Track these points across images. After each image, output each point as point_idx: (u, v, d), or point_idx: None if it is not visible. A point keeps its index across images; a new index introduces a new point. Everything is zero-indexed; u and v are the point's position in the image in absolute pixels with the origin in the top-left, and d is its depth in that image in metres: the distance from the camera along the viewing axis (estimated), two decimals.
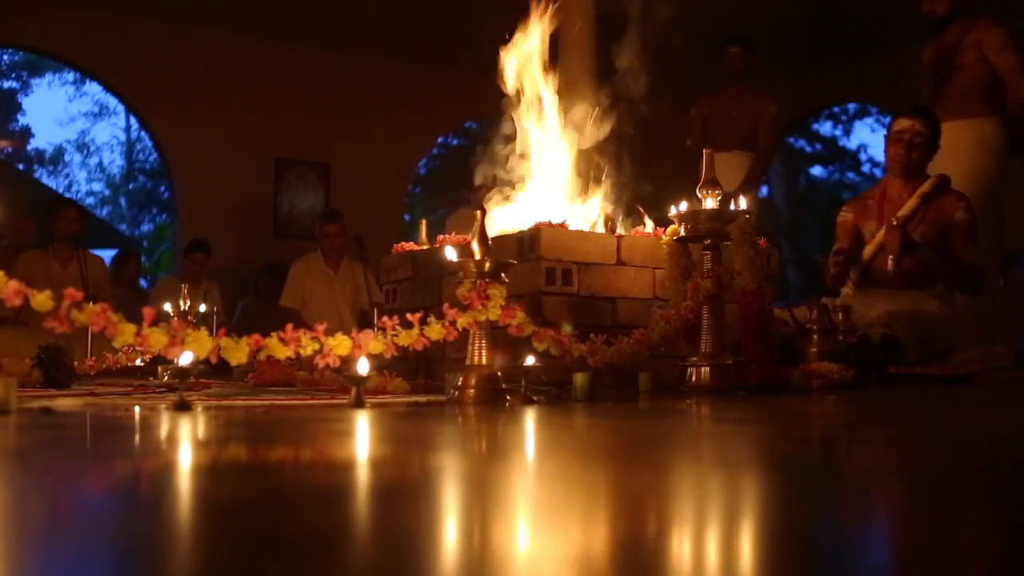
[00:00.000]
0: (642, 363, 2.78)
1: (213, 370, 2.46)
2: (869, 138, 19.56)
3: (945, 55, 4.43)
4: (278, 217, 7.99)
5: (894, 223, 3.69)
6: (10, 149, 20.81)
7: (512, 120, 3.67)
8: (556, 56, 3.73)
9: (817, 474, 1.13)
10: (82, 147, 23.08)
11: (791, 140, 16.36)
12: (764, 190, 5.86)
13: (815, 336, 3.11)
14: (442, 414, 2.02)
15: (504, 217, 3.55)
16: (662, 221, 3.41)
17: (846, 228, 4.10)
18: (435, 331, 2.22)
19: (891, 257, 3.67)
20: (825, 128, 18.98)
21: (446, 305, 2.29)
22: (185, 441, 1.48)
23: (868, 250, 3.95)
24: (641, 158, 3.72)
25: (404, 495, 0.96)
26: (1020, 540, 0.73)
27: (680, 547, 0.71)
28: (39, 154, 22.72)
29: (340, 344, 2.04)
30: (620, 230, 3.53)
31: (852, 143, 23.77)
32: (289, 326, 2.04)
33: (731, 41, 5.66)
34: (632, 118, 3.72)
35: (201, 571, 0.63)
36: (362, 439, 1.52)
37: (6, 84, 21.56)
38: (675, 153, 5.52)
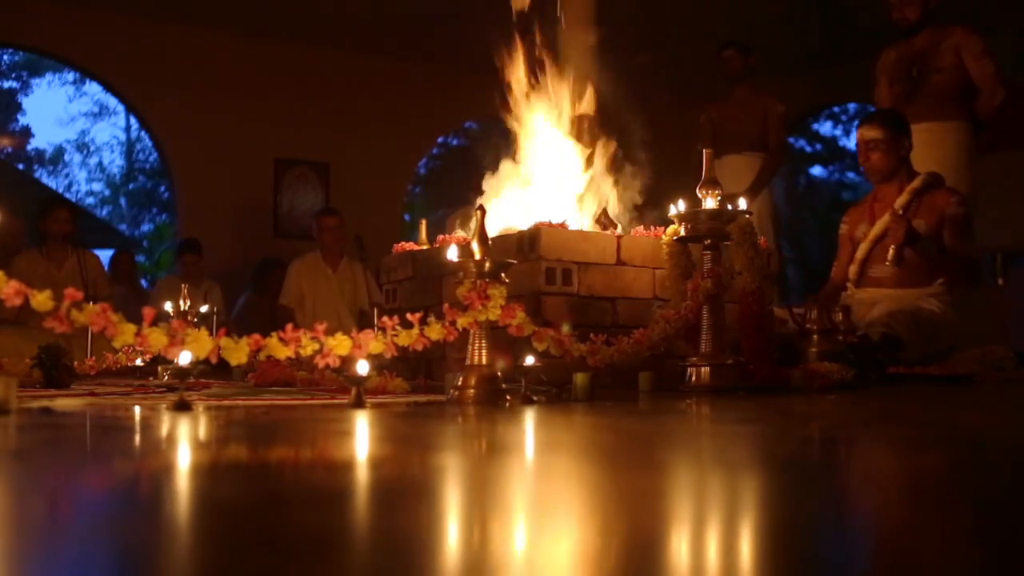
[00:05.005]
0: (642, 363, 2.77)
1: (213, 370, 2.46)
2: None
3: (917, 58, 4.50)
4: (278, 217, 7.98)
5: (901, 213, 3.71)
6: (10, 149, 20.81)
7: (511, 118, 3.67)
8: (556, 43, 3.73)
9: (817, 474, 1.13)
10: (82, 147, 23.10)
11: (791, 140, 16.35)
12: None
13: (815, 336, 3.11)
14: (442, 414, 2.02)
15: (503, 216, 3.55)
16: (663, 221, 3.41)
17: (843, 242, 4.19)
18: (435, 331, 2.22)
19: (892, 247, 3.68)
20: (825, 128, 19.02)
21: (446, 305, 2.29)
22: (185, 441, 1.48)
23: (862, 249, 3.97)
24: (646, 156, 3.72)
25: (404, 495, 0.96)
26: (1020, 540, 0.73)
27: (680, 547, 0.71)
28: (39, 154, 22.74)
29: (340, 344, 2.04)
30: (619, 228, 3.53)
31: (852, 143, 23.75)
32: (289, 326, 2.04)
33: (725, 45, 5.69)
34: (633, 117, 3.73)
35: (201, 571, 0.63)
36: (362, 439, 1.52)
37: (6, 84, 21.58)
38: (679, 152, 5.53)
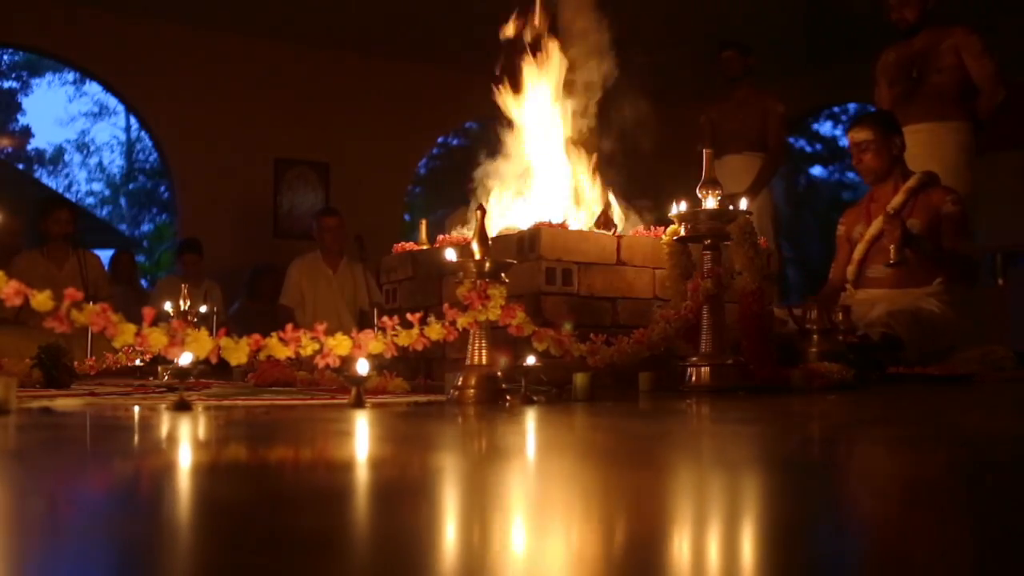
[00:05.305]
0: (642, 363, 2.78)
1: (213, 370, 2.46)
2: None
3: (917, 59, 4.51)
4: (278, 217, 7.99)
5: (892, 214, 3.72)
6: (10, 149, 20.81)
7: (508, 119, 3.67)
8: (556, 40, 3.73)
9: (817, 474, 1.13)
10: (82, 147, 23.12)
11: (791, 140, 16.36)
12: None
13: (815, 336, 3.11)
14: (442, 414, 2.02)
15: (504, 216, 3.55)
16: (662, 221, 3.41)
17: (840, 243, 4.21)
18: (435, 331, 2.22)
19: (892, 247, 3.68)
20: (825, 128, 19.04)
21: (446, 305, 2.29)
22: (185, 441, 1.48)
23: (859, 249, 3.98)
24: (646, 155, 3.72)
25: (404, 495, 0.96)
26: (1019, 540, 0.73)
27: (680, 547, 0.71)
28: (39, 154, 22.76)
29: (340, 344, 2.04)
30: (618, 227, 3.52)
31: None
32: (289, 326, 2.04)
33: (724, 46, 5.69)
34: (633, 116, 3.73)
35: (201, 571, 0.63)
36: (362, 439, 1.52)
37: (6, 84, 21.59)
38: (679, 152, 5.53)
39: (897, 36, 4.65)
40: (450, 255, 2.38)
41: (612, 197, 3.66)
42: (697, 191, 2.77)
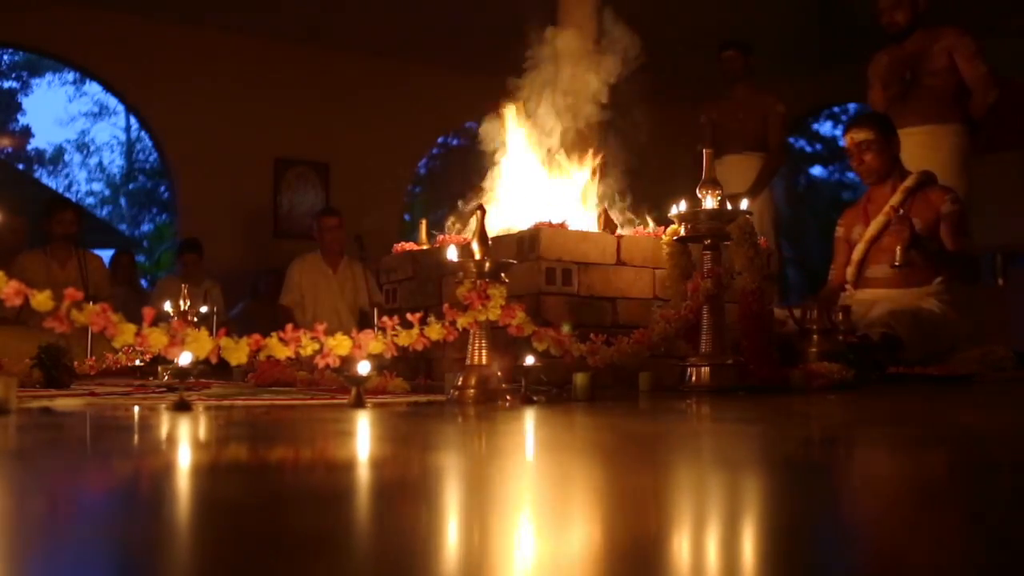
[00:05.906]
0: (642, 363, 2.77)
1: (213, 370, 2.46)
2: None
3: (909, 62, 4.51)
4: (278, 217, 7.99)
5: (901, 212, 3.72)
6: (10, 149, 20.80)
7: (507, 119, 3.67)
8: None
9: (817, 474, 1.13)
10: (82, 147, 23.11)
11: (791, 140, 16.35)
12: None
13: (815, 336, 3.11)
14: (442, 414, 2.02)
15: (504, 217, 3.55)
16: (662, 220, 3.42)
17: (839, 244, 4.21)
18: (435, 331, 2.22)
19: (899, 248, 3.68)
20: (825, 128, 19.04)
21: (446, 305, 2.29)
22: (185, 441, 1.48)
23: (858, 250, 3.98)
24: (646, 155, 3.73)
25: (404, 495, 0.96)
26: (1019, 540, 0.73)
27: (680, 547, 0.71)
28: (39, 154, 22.75)
29: (340, 344, 2.04)
30: (619, 228, 3.52)
31: None
32: (289, 326, 2.04)
33: (725, 45, 5.69)
34: (635, 115, 3.73)
35: (201, 571, 0.63)
36: (362, 439, 1.52)
37: (6, 84, 21.58)
38: (683, 152, 5.54)
39: (890, 40, 4.65)
40: (450, 255, 2.38)
41: (608, 198, 3.66)
42: (697, 191, 2.77)
